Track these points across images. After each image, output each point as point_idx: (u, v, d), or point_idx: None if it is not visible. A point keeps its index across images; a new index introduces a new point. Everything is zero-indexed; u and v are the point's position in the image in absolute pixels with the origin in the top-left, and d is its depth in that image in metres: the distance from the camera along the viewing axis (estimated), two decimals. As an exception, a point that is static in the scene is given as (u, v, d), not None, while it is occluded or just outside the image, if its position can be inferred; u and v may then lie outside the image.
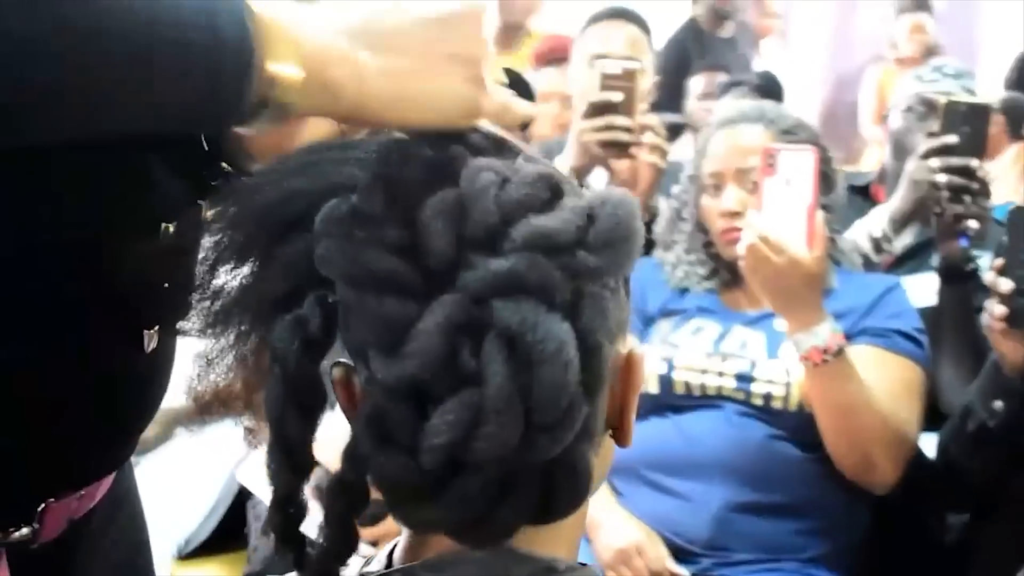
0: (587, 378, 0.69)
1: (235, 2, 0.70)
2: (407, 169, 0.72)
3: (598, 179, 2.69)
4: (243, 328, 0.78)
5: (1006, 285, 1.79)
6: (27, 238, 0.81)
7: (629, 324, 0.82)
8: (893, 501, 2.01)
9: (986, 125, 2.26)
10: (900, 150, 2.66)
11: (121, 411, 0.96)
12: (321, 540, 0.76)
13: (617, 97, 2.37)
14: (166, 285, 0.92)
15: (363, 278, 0.69)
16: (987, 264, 1.94)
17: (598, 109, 2.39)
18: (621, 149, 2.38)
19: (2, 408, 0.84)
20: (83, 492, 0.96)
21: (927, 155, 2.28)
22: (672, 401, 2.06)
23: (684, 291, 2.21)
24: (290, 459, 0.75)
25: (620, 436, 0.81)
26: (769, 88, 3.67)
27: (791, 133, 2.12)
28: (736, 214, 2.04)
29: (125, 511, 1.10)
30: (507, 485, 0.69)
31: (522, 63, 4.19)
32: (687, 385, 2.05)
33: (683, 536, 1.96)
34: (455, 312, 0.67)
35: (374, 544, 2.10)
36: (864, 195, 2.81)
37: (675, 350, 2.08)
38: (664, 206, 2.37)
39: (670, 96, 4.32)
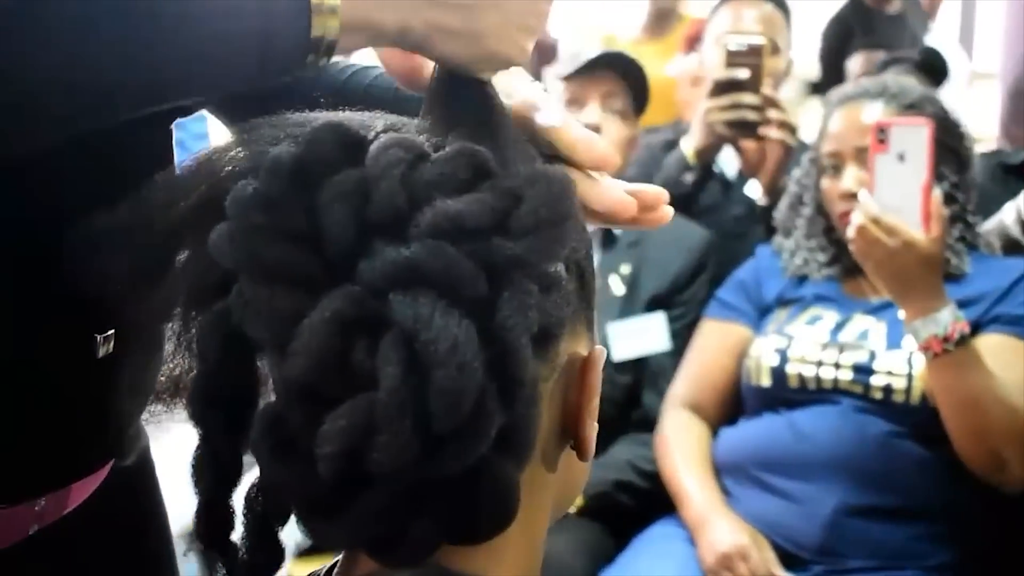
0: (502, 383, 0.60)
1: None
2: (316, 148, 0.63)
3: (728, 159, 2.60)
4: (185, 317, 0.72)
5: None
6: None
7: (586, 320, 0.72)
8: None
9: None
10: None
11: (73, 420, 0.91)
12: (243, 551, 0.70)
13: (743, 74, 2.34)
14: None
15: (254, 267, 0.61)
16: None
17: (723, 87, 2.36)
18: (748, 128, 2.35)
19: None
20: (42, 501, 0.92)
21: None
22: (785, 395, 1.96)
23: (803, 279, 2.09)
24: (214, 463, 0.69)
25: (579, 449, 0.71)
26: (932, 65, 3.45)
27: (916, 108, 1.98)
28: (856, 196, 1.91)
29: (125, 510, 1.06)
30: (417, 501, 0.61)
31: (673, 48, 4.10)
32: (801, 378, 1.93)
33: (793, 541, 1.86)
34: (345, 306, 0.59)
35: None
36: (1018, 174, 2.60)
37: (789, 341, 1.97)
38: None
39: (831, 77, 4.14)
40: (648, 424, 2.15)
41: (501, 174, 0.64)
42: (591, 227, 2.09)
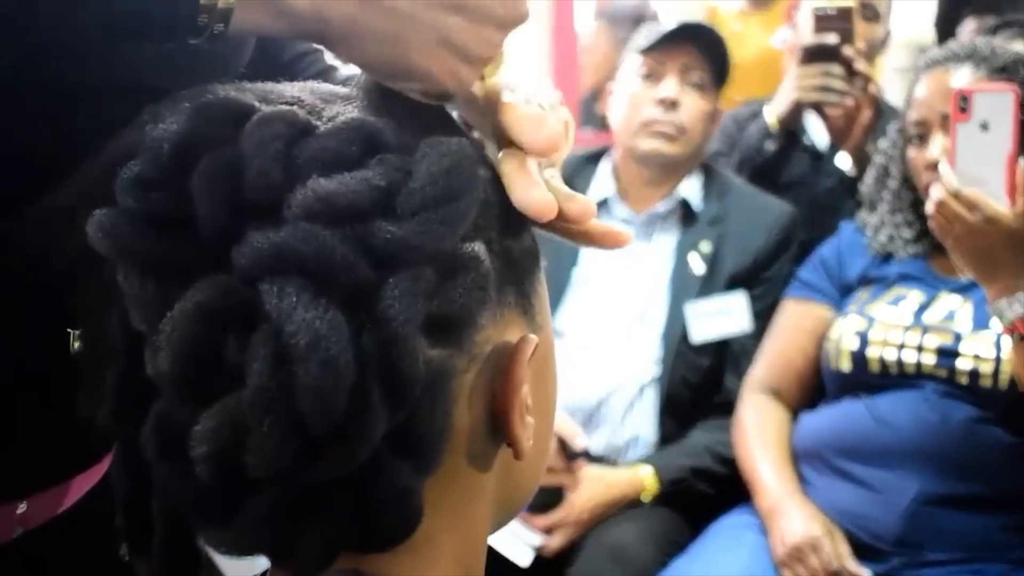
0: (388, 379, 0.55)
1: None
2: (196, 124, 0.58)
3: (818, 129, 2.52)
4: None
5: None
6: None
7: (519, 307, 0.66)
8: None
9: None
10: None
11: (48, 419, 0.88)
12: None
13: (832, 39, 2.30)
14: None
15: (125, 256, 0.58)
16: None
17: (812, 54, 2.32)
18: (837, 95, 2.30)
19: None
20: (24, 503, 0.90)
21: None
22: (866, 380, 1.89)
23: (888, 257, 2.01)
24: (131, 463, 0.65)
25: (511, 446, 0.65)
26: (1045, 28, 3.31)
27: (1007, 72, 1.88)
28: (943, 167, 1.83)
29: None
30: (306, 506, 0.57)
31: (778, 20, 4.00)
32: (882, 362, 1.86)
33: (870, 531, 1.80)
34: (210, 297, 0.54)
35: (549, 531, 2.02)
36: None
37: (870, 323, 1.90)
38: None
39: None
40: (729, 408, 2.09)
41: (396, 147, 0.59)
42: (666, 204, 2.03)
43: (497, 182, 0.66)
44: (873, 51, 2.54)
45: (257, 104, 0.60)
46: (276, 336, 0.53)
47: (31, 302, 0.79)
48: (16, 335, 0.82)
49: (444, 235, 0.57)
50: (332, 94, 0.66)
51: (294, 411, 0.52)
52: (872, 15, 2.56)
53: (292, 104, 0.61)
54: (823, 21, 2.30)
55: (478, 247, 0.61)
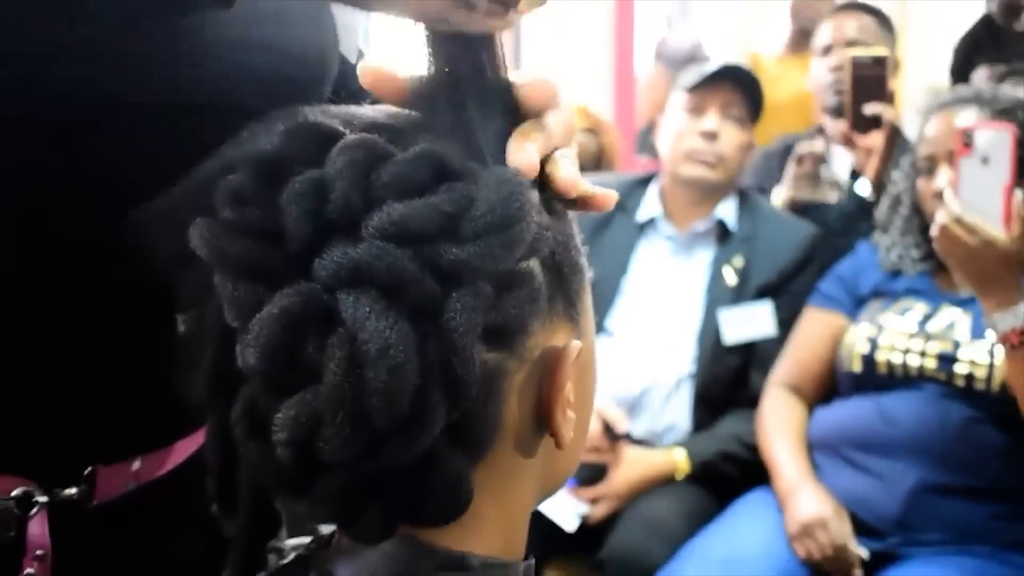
0: (448, 381, 0.54)
1: None
2: (287, 145, 0.59)
3: (838, 160, 2.50)
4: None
5: None
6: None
7: (566, 315, 0.65)
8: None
9: None
10: None
11: (158, 389, 0.88)
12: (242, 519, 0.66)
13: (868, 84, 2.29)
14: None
15: (220, 260, 0.57)
16: None
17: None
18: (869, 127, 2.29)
19: (41, 375, 0.79)
20: (137, 462, 0.90)
21: None
22: (874, 380, 1.86)
23: (897, 273, 1.97)
24: (222, 437, 0.65)
25: (554, 438, 0.64)
26: (1047, 77, 3.23)
27: (1007, 113, 1.84)
28: (948, 196, 1.79)
29: None
30: (370, 487, 0.57)
31: (808, 64, 3.95)
32: (889, 364, 1.83)
33: (873, 513, 1.77)
34: (294, 302, 0.54)
35: (593, 502, 2.01)
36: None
37: (880, 330, 1.87)
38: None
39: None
40: (754, 402, 2.06)
41: (461, 174, 0.58)
42: (705, 224, 2.01)
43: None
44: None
45: (341, 128, 0.60)
46: (350, 341, 0.52)
47: (151, 286, 0.80)
48: (132, 317, 0.82)
49: (502, 257, 0.56)
50: (407, 119, 0.65)
51: (363, 408, 0.52)
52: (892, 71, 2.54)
53: (372, 129, 0.61)
54: (860, 68, 2.28)
55: (533, 264, 0.60)
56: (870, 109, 2.27)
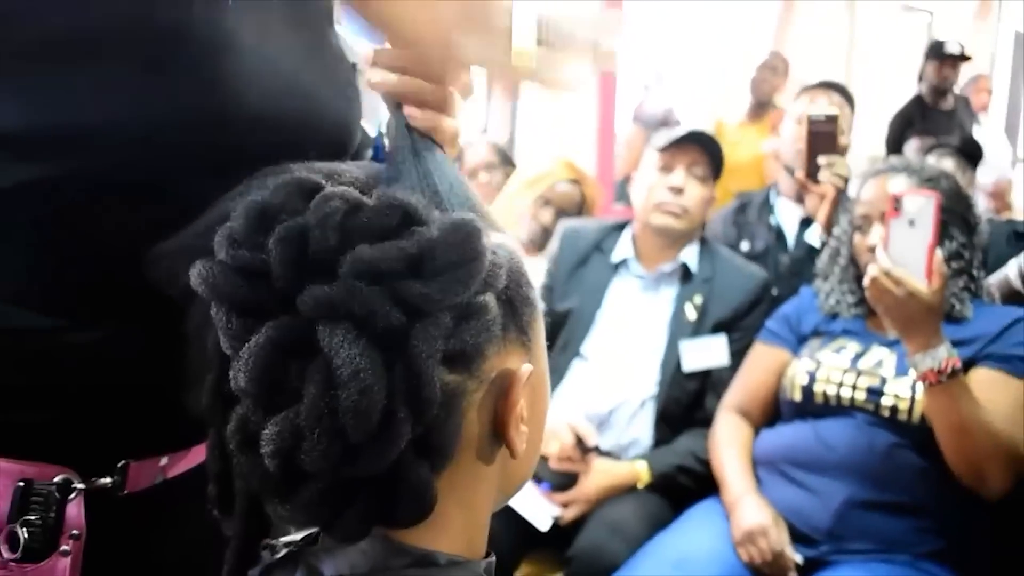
0: (412, 400, 0.55)
1: None
2: (275, 196, 0.60)
3: (785, 212, 2.51)
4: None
5: None
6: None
7: (520, 343, 0.65)
8: (1013, 504, 1.69)
9: None
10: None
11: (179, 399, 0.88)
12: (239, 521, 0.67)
13: (822, 139, 2.34)
14: None
15: (216, 296, 0.59)
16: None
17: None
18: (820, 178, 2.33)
19: (80, 375, 0.79)
20: (166, 458, 0.90)
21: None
22: (812, 408, 1.84)
23: (834, 316, 1.96)
24: (220, 447, 0.66)
25: (508, 449, 0.65)
26: (968, 151, 3.25)
27: (933, 181, 1.85)
28: (880, 251, 1.79)
29: None
30: (346, 493, 0.58)
31: (768, 130, 3.98)
32: (825, 395, 1.82)
33: (808, 524, 1.75)
34: (279, 333, 0.56)
35: (565, 505, 2.00)
36: (1027, 239, 2.41)
37: (818, 365, 1.86)
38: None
39: (892, 158, 3.96)
40: (709, 422, 2.05)
41: (427, 219, 0.59)
42: (670, 266, 2.02)
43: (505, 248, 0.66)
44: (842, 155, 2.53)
45: (323, 182, 0.61)
46: (327, 367, 0.54)
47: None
48: (155, 335, 0.82)
49: (459, 291, 0.57)
50: (379, 172, 0.67)
51: (338, 424, 0.54)
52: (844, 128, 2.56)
53: (351, 183, 0.62)
54: (815, 124, 2.31)
55: (488, 298, 0.61)
56: (822, 160, 2.29)
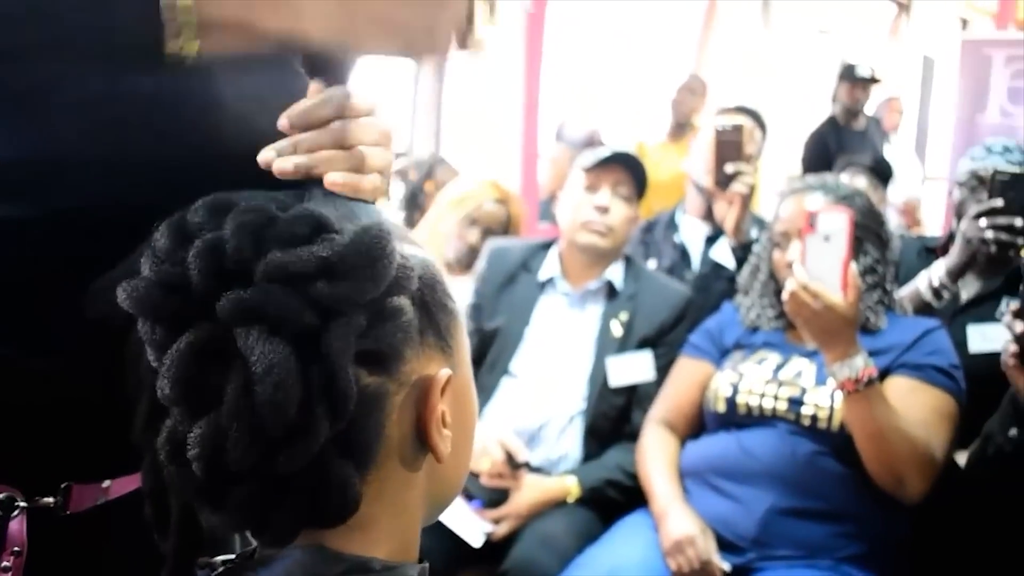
0: (328, 396, 0.58)
1: None
2: (194, 214, 0.63)
3: (688, 230, 2.60)
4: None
5: (1020, 327, 1.54)
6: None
7: (438, 348, 0.67)
8: (930, 511, 1.76)
9: (1029, 191, 1.99)
10: (960, 216, 2.38)
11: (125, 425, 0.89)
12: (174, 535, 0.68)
13: (729, 148, 2.37)
14: None
15: (140, 309, 0.61)
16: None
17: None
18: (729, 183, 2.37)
19: (28, 400, 0.79)
20: (108, 481, 0.90)
21: (976, 216, 2.03)
22: (735, 419, 1.90)
23: (755, 329, 2.03)
24: (154, 463, 0.67)
25: (432, 453, 0.67)
26: (879, 169, 3.39)
27: (847, 199, 1.94)
28: (798, 266, 1.85)
29: None
30: (273, 494, 0.60)
31: (687, 150, 4.07)
32: (748, 406, 1.88)
33: (734, 532, 1.80)
34: (198, 338, 0.58)
35: (496, 521, 2.02)
36: (936, 254, 2.52)
37: (740, 377, 1.91)
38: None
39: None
40: (635, 436, 2.09)
41: (335, 229, 0.62)
42: (596, 283, 2.05)
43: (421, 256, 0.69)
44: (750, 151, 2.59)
45: (238, 200, 0.63)
46: (244, 367, 0.56)
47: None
48: (101, 363, 0.83)
49: (369, 289, 0.60)
50: (295, 193, 0.68)
51: (258, 421, 0.56)
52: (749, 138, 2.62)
53: (270, 200, 0.64)
54: (722, 135, 2.37)
55: (403, 300, 0.63)
56: (729, 168, 2.35)
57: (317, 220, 0.61)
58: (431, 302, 0.67)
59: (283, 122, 0.71)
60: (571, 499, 2.05)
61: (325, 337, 0.58)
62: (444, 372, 0.66)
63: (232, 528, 0.64)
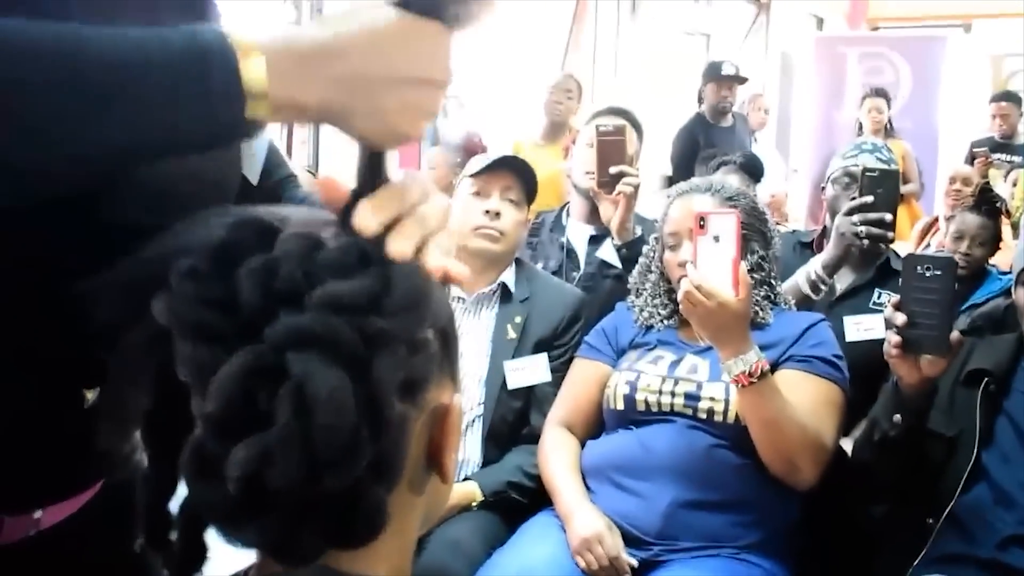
0: (372, 421, 0.60)
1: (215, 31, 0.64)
2: (236, 234, 0.64)
3: (574, 232, 2.66)
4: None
5: (900, 318, 1.65)
6: None
7: (451, 374, 0.72)
8: (821, 496, 1.86)
9: (896, 187, 2.13)
10: (833, 212, 2.52)
11: (57, 457, 0.88)
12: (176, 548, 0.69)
13: (611, 149, 2.44)
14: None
15: (181, 326, 0.62)
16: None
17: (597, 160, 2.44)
18: (613, 184, 2.42)
19: None
20: (39, 513, 0.89)
21: (849, 212, 2.16)
22: (634, 416, 1.95)
23: (649, 328, 2.10)
24: (155, 478, 0.68)
25: (441, 475, 0.71)
26: (751, 165, 3.53)
27: (733, 200, 2.03)
28: (688, 265, 1.92)
29: (116, 518, 0.97)
30: (306, 513, 0.61)
31: (558, 152, 4.16)
32: (646, 403, 1.93)
33: (639, 527, 1.85)
34: (251, 360, 0.59)
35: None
36: (811, 248, 2.66)
37: (638, 375, 1.97)
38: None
39: (681, 174, 4.21)
40: (535, 438, 2.14)
41: (379, 260, 0.64)
42: (490, 287, 2.08)
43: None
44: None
45: (277, 224, 0.65)
46: (298, 391, 0.57)
47: (52, 368, 0.80)
48: (35, 395, 0.82)
49: (414, 328, 0.63)
50: (327, 217, 0.70)
51: (309, 444, 0.57)
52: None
53: (304, 226, 0.66)
54: (603, 136, 2.43)
55: (431, 333, 0.66)
56: (613, 169, 2.41)
57: (363, 250, 0.64)
58: (450, 334, 0.71)
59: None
60: (474, 504, 2.08)
61: (374, 366, 0.60)
62: (457, 398, 0.70)
63: (253, 546, 0.64)
